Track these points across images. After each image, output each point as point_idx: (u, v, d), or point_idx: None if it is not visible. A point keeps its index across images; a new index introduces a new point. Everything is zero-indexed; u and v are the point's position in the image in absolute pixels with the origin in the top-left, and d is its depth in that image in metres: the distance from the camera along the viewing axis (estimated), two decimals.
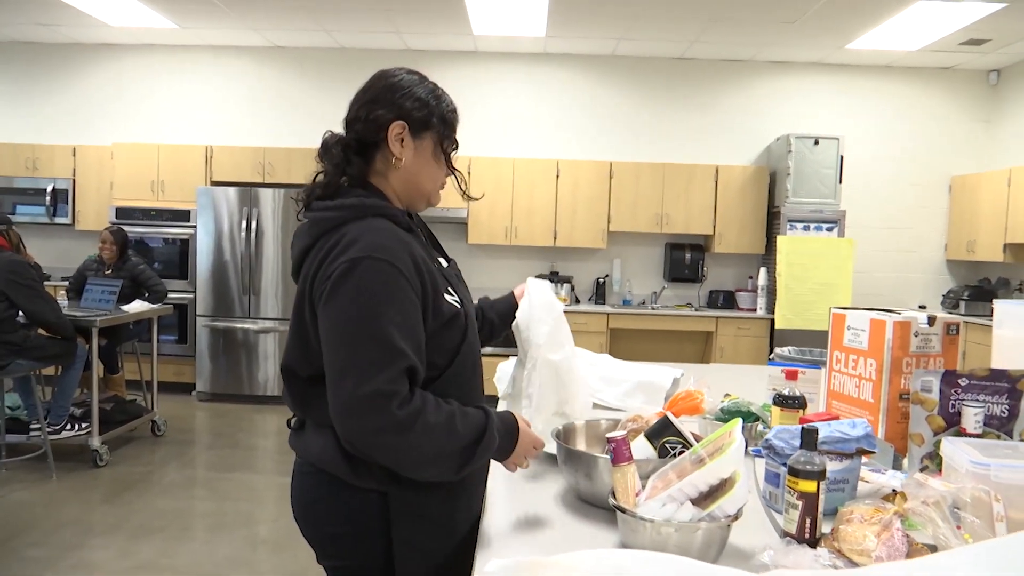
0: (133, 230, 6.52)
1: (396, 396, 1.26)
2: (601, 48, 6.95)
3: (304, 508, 1.47)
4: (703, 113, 7.20)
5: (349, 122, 1.47)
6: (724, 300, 7.02)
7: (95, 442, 4.68)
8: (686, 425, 1.71)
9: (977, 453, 1.27)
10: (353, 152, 1.44)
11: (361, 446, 1.30)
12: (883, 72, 7.12)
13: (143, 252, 6.55)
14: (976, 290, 6.61)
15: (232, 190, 6.51)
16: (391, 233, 1.36)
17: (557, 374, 1.74)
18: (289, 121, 7.26)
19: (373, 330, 1.27)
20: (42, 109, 7.35)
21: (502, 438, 1.41)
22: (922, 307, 6.99)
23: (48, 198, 6.93)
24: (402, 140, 1.43)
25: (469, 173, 5.56)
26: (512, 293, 1.89)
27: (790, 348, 2.95)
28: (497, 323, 1.85)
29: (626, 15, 5.97)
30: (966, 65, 6.94)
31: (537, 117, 7.23)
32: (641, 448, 1.50)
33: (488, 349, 1.77)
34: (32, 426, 4.72)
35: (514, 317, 1.81)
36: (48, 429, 4.61)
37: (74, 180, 6.99)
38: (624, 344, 6.88)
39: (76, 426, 4.79)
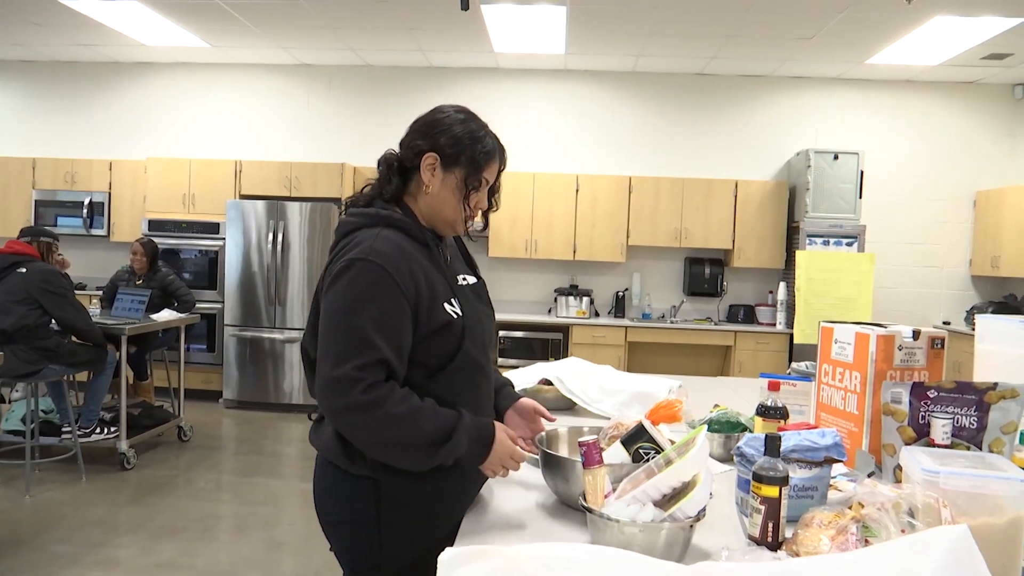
0: (165, 242, 6.74)
1: (362, 382, 1.41)
2: (621, 64, 7.02)
3: (315, 497, 1.64)
4: (722, 128, 7.23)
5: (399, 145, 1.65)
6: (744, 314, 7.02)
7: (123, 445, 4.85)
8: (675, 434, 1.78)
9: (929, 461, 1.32)
10: (395, 172, 1.62)
11: (332, 422, 1.50)
12: (904, 87, 7.09)
13: (174, 263, 6.76)
14: (1001, 306, 6.51)
15: (260, 203, 6.69)
16: (393, 242, 1.51)
17: None
18: (315, 136, 7.45)
19: (352, 322, 1.44)
20: (81, 125, 7.64)
21: (473, 444, 1.50)
22: (946, 323, 6.92)
23: (85, 210, 7.19)
24: (433, 170, 1.59)
25: None
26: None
27: (807, 363, 2.94)
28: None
29: (644, 32, 6.04)
30: (990, 79, 6.89)
31: (557, 132, 7.31)
32: (616, 453, 1.57)
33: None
34: (64, 429, 4.90)
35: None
36: (79, 432, 4.78)
37: (110, 193, 7.24)
38: (643, 358, 6.92)
39: (105, 430, 4.96)
